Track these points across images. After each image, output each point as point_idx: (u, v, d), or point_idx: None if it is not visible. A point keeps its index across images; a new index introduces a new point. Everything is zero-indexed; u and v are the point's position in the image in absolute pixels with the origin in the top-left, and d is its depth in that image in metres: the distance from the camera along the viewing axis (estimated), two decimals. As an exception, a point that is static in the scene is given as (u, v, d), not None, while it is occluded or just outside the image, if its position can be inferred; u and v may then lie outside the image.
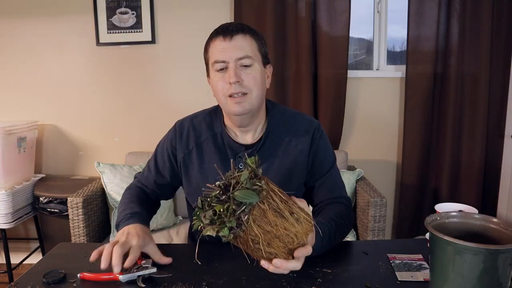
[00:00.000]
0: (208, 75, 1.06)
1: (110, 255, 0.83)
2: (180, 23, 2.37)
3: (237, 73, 0.97)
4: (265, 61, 1.05)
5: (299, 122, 1.10)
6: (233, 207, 0.66)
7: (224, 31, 0.99)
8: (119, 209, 1.06)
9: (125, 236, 0.91)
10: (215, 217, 0.68)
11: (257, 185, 0.68)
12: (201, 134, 1.10)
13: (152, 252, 0.91)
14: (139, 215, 1.01)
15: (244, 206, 0.66)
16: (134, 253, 0.86)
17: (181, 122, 1.14)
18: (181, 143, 1.10)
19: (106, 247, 0.85)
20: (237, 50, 0.97)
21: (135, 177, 1.22)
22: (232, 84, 0.96)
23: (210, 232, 0.69)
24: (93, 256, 0.87)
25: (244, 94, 0.98)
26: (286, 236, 0.68)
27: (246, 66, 0.98)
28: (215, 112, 1.12)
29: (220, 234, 0.68)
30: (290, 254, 0.71)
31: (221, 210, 0.67)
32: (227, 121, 1.09)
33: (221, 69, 0.99)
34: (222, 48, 0.98)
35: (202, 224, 0.69)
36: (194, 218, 0.71)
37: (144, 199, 1.12)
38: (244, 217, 0.66)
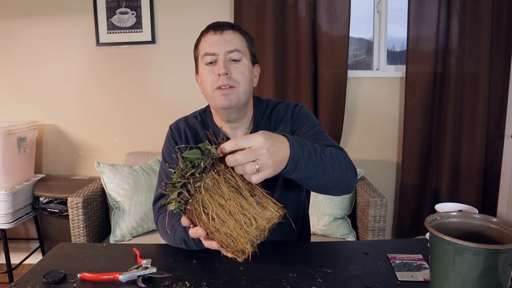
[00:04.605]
0: (196, 72, 1.09)
1: None
2: (180, 23, 2.37)
3: (226, 66, 0.99)
4: (254, 61, 1.07)
5: (279, 108, 1.12)
6: (181, 166, 0.65)
7: (215, 26, 1.02)
8: (174, 236, 0.98)
9: None
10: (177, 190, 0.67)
11: (207, 148, 0.67)
12: (197, 132, 1.12)
13: None
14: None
15: (194, 170, 0.65)
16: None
17: (175, 124, 1.16)
18: (181, 141, 1.11)
19: None
20: (227, 43, 1.00)
21: (154, 206, 1.12)
22: (221, 76, 0.98)
23: (172, 206, 0.68)
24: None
25: (232, 87, 0.99)
26: (242, 216, 0.65)
27: (235, 60, 1.00)
28: (205, 112, 1.15)
29: (171, 197, 0.67)
30: (249, 243, 0.65)
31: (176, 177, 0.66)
32: (216, 119, 1.11)
33: (211, 63, 1.01)
34: (213, 42, 1.00)
35: (168, 202, 0.69)
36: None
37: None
38: (194, 182, 0.65)
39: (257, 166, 0.65)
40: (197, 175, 0.65)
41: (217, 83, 0.99)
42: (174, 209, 0.69)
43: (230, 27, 1.02)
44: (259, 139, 0.66)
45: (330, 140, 1.02)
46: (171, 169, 0.71)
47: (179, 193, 0.67)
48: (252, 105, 1.12)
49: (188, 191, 0.66)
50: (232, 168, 0.67)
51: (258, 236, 0.66)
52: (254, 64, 1.08)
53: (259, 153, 0.66)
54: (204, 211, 0.65)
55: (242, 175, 0.67)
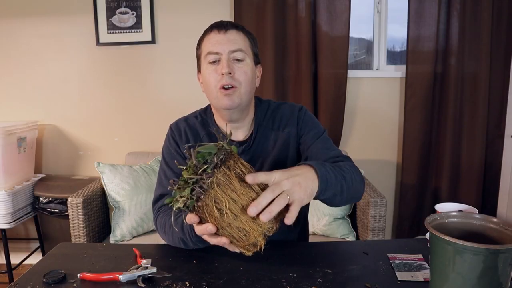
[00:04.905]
0: (199, 70, 1.09)
1: None
2: (180, 23, 2.37)
3: (229, 65, 0.99)
4: (256, 61, 1.08)
5: (283, 110, 1.13)
6: (194, 162, 0.66)
7: (218, 26, 1.02)
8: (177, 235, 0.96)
9: None
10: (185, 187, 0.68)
11: (220, 143, 0.68)
12: (198, 132, 1.12)
13: None
14: None
15: (206, 166, 0.66)
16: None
17: (175, 123, 1.16)
18: (182, 141, 1.11)
19: None
20: (230, 43, 1.00)
21: (154, 206, 1.09)
22: (224, 75, 0.98)
23: (180, 203, 0.68)
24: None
25: (234, 87, 0.99)
26: None
27: (238, 60, 1.01)
28: (205, 113, 1.15)
29: (182, 194, 0.67)
30: (261, 235, 0.67)
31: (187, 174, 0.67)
32: (217, 119, 1.11)
33: (214, 62, 1.01)
34: (216, 41, 1.00)
35: (175, 200, 0.69)
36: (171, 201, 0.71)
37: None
38: (206, 178, 0.65)
39: (288, 196, 0.68)
40: (209, 171, 0.66)
41: (221, 82, 0.99)
42: (183, 207, 0.69)
43: (234, 27, 1.02)
44: (276, 174, 0.70)
45: (337, 149, 1.06)
46: (181, 167, 0.71)
47: (192, 190, 0.67)
48: (254, 106, 1.12)
49: (201, 187, 0.66)
50: (241, 163, 0.69)
51: (270, 228, 0.68)
52: (256, 64, 1.08)
53: (282, 185, 0.68)
54: (216, 207, 0.66)
55: (250, 170, 0.68)
